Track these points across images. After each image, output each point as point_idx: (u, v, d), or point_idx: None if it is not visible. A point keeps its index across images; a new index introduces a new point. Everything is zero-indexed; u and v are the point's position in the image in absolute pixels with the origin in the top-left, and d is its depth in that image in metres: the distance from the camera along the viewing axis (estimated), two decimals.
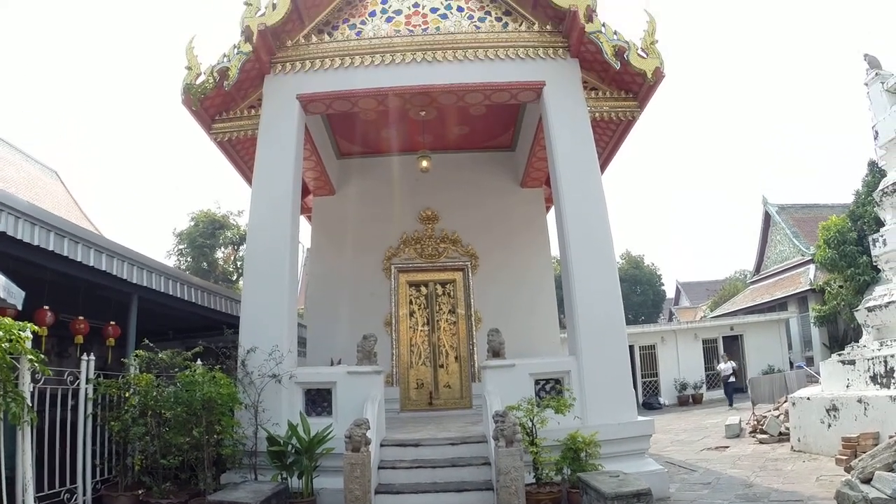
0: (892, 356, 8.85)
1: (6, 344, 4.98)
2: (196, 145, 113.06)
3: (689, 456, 10.76)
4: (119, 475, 7.30)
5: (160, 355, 7.75)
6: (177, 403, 7.01)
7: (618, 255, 36.17)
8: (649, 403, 22.54)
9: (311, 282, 13.62)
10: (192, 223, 29.56)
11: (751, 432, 12.29)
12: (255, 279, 8.74)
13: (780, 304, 28.38)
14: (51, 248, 7.20)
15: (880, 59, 10.93)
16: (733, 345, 24.90)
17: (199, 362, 8.01)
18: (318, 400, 8.25)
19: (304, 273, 22.77)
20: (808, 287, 25.76)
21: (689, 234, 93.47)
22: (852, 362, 9.68)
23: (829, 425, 9.45)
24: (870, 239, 10.87)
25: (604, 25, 8.96)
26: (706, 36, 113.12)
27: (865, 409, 8.75)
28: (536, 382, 8.17)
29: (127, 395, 7.37)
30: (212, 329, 10.79)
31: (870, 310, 10.05)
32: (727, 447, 11.36)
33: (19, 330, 5.11)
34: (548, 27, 9.45)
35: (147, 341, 7.93)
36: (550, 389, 8.18)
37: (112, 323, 9.58)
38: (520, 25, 9.52)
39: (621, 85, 9.63)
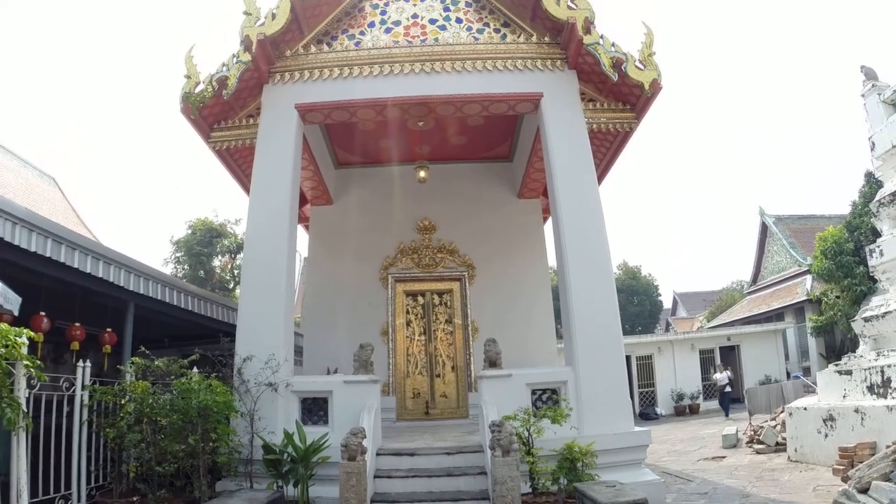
0: (889, 366, 8.87)
1: (2, 349, 4.98)
2: (194, 153, 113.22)
3: (686, 466, 10.75)
4: (114, 482, 7.29)
5: (156, 363, 7.74)
6: (172, 411, 6.99)
7: (615, 266, 36.18)
8: (646, 414, 22.51)
9: (308, 291, 13.61)
10: (190, 231, 29.59)
11: (748, 442, 12.29)
12: (252, 288, 8.74)
13: (776, 315, 28.42)
14: (48, 255, 7.21)
15: (877, 69, 11.04)
16: (730, 355, 24.91)
17: (195, 370, 8.00)
18: (315, 409, 8.23)
19: (301, 282, 22.78)
20: (804, 297, 25.80)
21: (687, 245, 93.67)
22: (849, 372, 9.70)
23: (826, 435, 9.45)
24: (867, 249, 10.92)
25: (602, 37, 9.02)
26: (701, 47, 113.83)
27: (862, 419, 8.76)
28: (533, 392, 8.17)
29: (122, 401, 7.36)
30: (208, 337, 10.77)
31: (866, 320, 10.08)
32: (724, 457, 11.35)
33: (15, 336, 5.11)
34: (546, 39, 9.52)
35: (143, 348, 7.92)
36: (547, 399, 8.17)
37: (108, 330, 9.57)
38: (518, 37, 9.58)
39: (619, 96, 9.69)
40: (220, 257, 30.32)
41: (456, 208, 13.03)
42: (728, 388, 20.52)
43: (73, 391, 7.05)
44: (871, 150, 10.88)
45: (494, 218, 13.12)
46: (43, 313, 8.05)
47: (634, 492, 6.05)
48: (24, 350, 5.27)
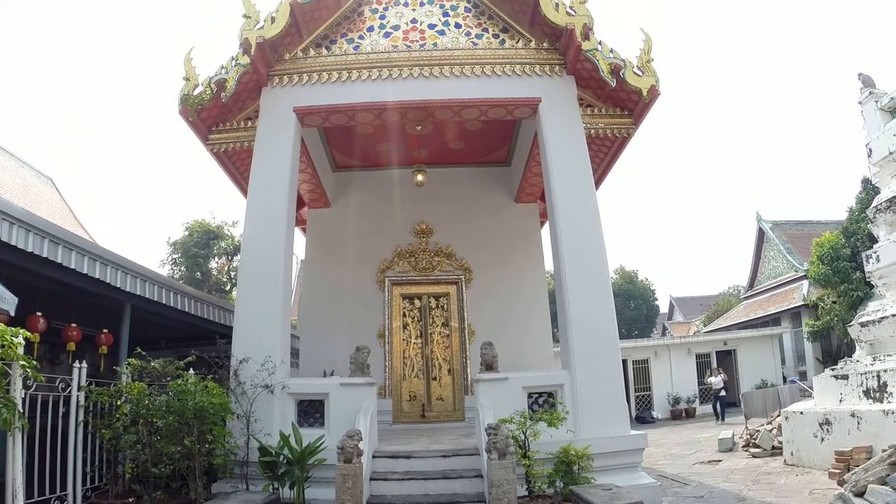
0: (886, 371, 8.89)
1: None
2: (192, 155, 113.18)
3: (682, 469, 10.75)
4: (110, 483, 7.28)
5: (152, 364, 7.73)
6: (168, 412, 6.99)
7: (612, 270, 36.19)
8: (642, 417, 22.52)
9: (305, 293, 13.60)
10: (187, 233, 29.54)
11: (744, 446, 12.30)
12: (248, 290, 8.74)
13: (773, 320, 28.46)
14: (44, 255, 7.22)
15: (876, 73, 11.10)
16: (727, 359, 24.93)
17: (191, 372, 8.00)
18: (311, 411, 8.23)
19: (297, 284, 22.79)
20: (801, 302, 25.85)
21: (683, 250, 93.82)
22: (845, 377, 9.72)
23: (823, 439, 9.47)
24: (863, 255, 10.95)
25: (600, 43, 9.05)
26: (699, 53, 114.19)
27: (858, 423, 8.78)
28: (529, 396, 8.18)
29: (118, 403, 7.35)
30: (204, 339, 10.77)
31: (863, 325, 10.11)
32: (720, 461, 11.36)
33: (12, 336, 5.11)
34: (544, 44, 9.54)
35: (139, 350, 7.92)
36: (543, 403, 8.18)
37: (104, 331, 9.56)
38: (517, 42, 9.61)
39: (617, 102, 9.73)
40: (216, 259, 30.27)
41: (453, 212, 13.05)
42: (723, 392, 20.49)
43: (70, 392, 7.04)
44: (868, 156, 10.93)
45: (492, 222, 13.14)
46: (39, 314, 8.06)
47: (630, 495, 6.07)
48: (21, 350, 5.27)
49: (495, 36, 9.76)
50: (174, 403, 7.01)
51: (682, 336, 29.20)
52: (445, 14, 9.89)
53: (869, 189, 19.68)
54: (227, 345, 8.55)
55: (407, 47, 9.60)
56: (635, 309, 42.02)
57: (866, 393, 9.16)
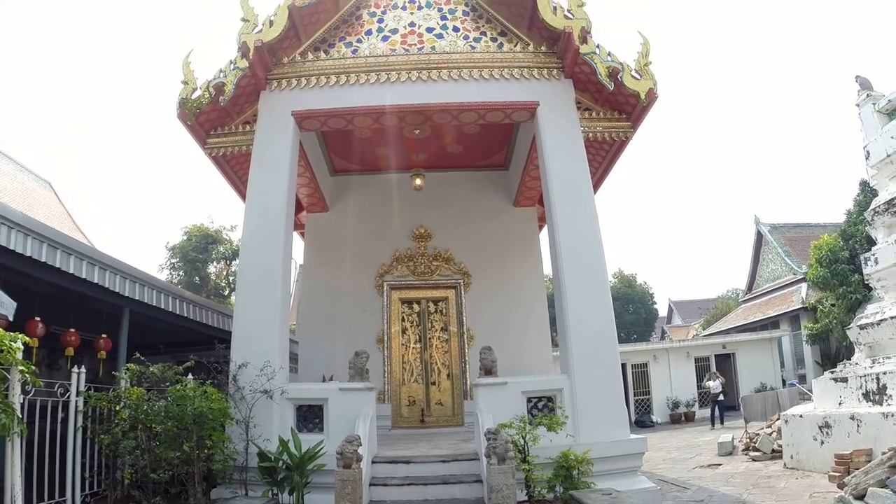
0: (885, 373, 8.89)
1: None
2: (191, 159, 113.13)
3: (682, 473, 10.73)
4: (108, 489, 7.24)
5: (151, 369, 7.71)
6: (167, 418, 6.96)
7: (610, 274, 36.24)
8: (642, 421, 22.50)
9: (304, 298, 13.58)
10: (185, 237, 29.55)
11: (743, 450, 12.28)
12: (247, 294, 8.72)
13: (772, 323, 28.49)
14: (43, 260, 7.20)
15: (873, 75, 11.12)
16: (726, 363, 24.93)
17: (190, 377, 7.98)
18: (310, 416, 8.20)
19: (296, 289, 22.75)
20: (800, 305, 25.88)
21: (682, 253, 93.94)
22: (845, 380, 9.72)
23: (822, 442, 9.46)
24: (862, 258, 10.95)
25: (598, 47, 9.05)
26: (697, 56, 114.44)
27: (858, 425, 8.77)
28: (529, 400, 8.16)
29: (117, 408, 7.32)
30: (203, 343, 10.75)
31: (862, 328, 10.10)
32: (720, 465, 11.34)
33: (10, 340, 5.10)
34: (542, 48, 9.56)
35: (138, 355, 7.89)
36: (543, 407, 8.16)
37: (103, 336, 9.54)
38: (515, 46, 9.62)
39: (615, 105, 9.73)
40: (215, 264, 30.28)
41: (452, 216, 13.04)
42: (721, 397, 20.38)
43: (68, 397, 7.01)
44: (866, 159, 10.94)
45: (490, 226, 13.14)
46: (38, 318, 8.04)
47: (630, 499, 6.07)
48: (19, 355, 5.25)
49: (493, 39, 9.76)
50: (173, 409, 6.98)
51: (681, 340, 29.27)
52: (443, 17, 9.90)
53: (867, 191, 19.71)
54: (225, 350, 8.52)
55: (405, 51, 9.61)
56: (634, 313, 42.06)
57: (866, 395, 9.15)
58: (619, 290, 40.13)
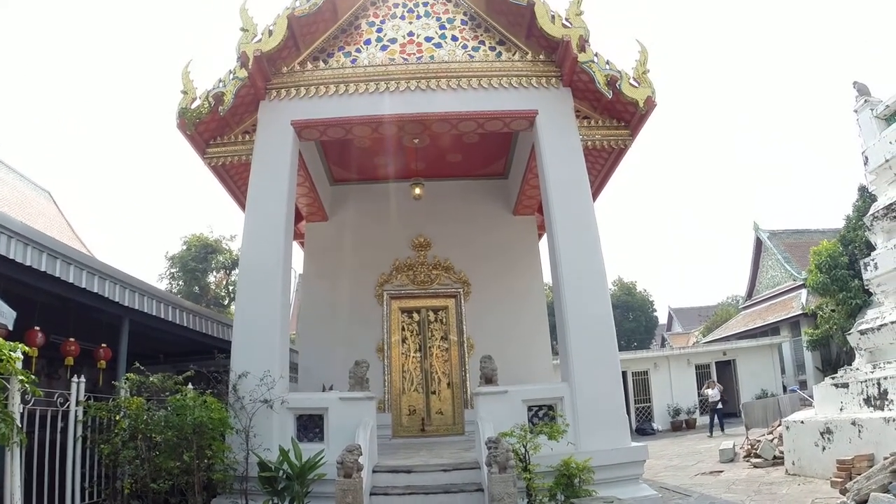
0: (886, 378, 8.88)
1: None
2: (190, 169, 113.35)
3: (684, 481, 10.70)
4: (108, 498, 7.22)
5: (151, 379, 7.69)
6: (167, 427, 6.94)
7: (610, 282, 36.18)
8: (643, 429, 22.46)
9: (304, 307, 13.57)
10: (185, 247, 29.54)
11: (745, 457, 12.25)
12: (247, 304, 8.71)
13: (772, 329, 28.46)
14: (43, 269, 7.20)
15: (872, 80, 11.19)
16: (726, 370, 24.90)
17: (190, 386, 7.96)
18: (310, 426, 8.17)
19: (296, 298, 22.73)
20: (800, 311, 25.88)
21: (682, 260, 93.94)
22: (845, 385, 9.71)
23: (824, 448, 9.43)
24: (861, 263, 10.96)
25: (596, 55, 9.09)
26: (695, 62, 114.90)
27: (859, 431, 8.75)
28: (529, 409, 8.14)
29: (117, 418, 7.30)
30: (203, 353, 10.74)
31: (862, 333, 10.10)
32: (721, 472, 11.31)
33: (10, 350, 5.09)
34: (541, 57, 9.60)
35: (138, 364, 7.87)
36: (543, 416, 8.14)
37: (103, 345, 9.53)
38: (513, 55, 9.66)
39: (613, 114, 9.77)
40: (214, 273, 30.24)
41: (451, 225, 13.04)
42: (720, 405, 20.20)
43: (68, 407, 6.99)
44: (865, 164, 10.97)
45: (490, 235, 13.14)
46: (38, 328, 8.03)
47: None
48: (19, 365, 5.24)
49: (492, 48, 9.81)
50: (173, 418, 6.96)
51: (682, 347, 29.21)
52: (442, 27, 9.95)
53: (866, 197, 19.74)
54: (225, 359, 8.51)
55: (404, 60, 9.65)
56: (634, 320, 41.96)
57: (867, 401, 9.14)
58: (619, 298, 40.06)
